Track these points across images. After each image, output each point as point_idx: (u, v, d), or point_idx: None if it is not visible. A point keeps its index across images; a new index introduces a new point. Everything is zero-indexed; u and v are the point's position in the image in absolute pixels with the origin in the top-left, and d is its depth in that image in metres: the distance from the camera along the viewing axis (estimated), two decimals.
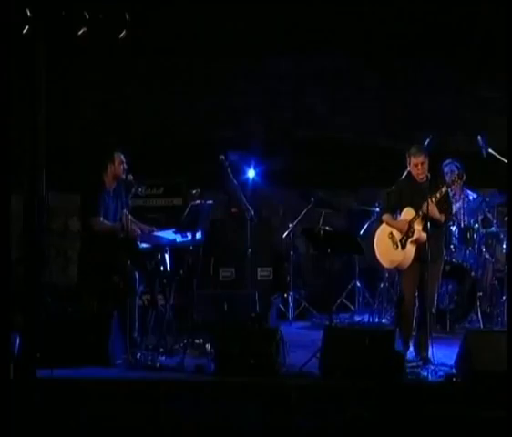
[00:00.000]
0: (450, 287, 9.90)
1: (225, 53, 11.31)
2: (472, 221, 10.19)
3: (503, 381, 6.82)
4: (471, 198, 10.27)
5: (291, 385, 7.66)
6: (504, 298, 9.67)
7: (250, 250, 9.57)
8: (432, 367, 8.02)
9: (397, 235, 8.45)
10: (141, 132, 11.57)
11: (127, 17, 8.14)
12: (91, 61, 11.00)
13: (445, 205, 8.44)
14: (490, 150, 9.99)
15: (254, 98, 11.74)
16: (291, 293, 10.78)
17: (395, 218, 8.62)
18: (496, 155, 9.86)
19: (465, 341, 7.93)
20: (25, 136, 7.64)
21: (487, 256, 10.22)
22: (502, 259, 10.17)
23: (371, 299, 10.74)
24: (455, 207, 9.84)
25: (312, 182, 11.32)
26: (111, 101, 11.63)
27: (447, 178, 8.89)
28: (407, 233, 8.39)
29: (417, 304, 8.45)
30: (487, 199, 10.14)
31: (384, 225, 8.62)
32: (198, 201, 9.00)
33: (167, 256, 8.96)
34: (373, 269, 10.25)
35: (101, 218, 8.93)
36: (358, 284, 10.81)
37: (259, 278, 10.59)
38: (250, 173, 10.73)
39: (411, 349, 8.47)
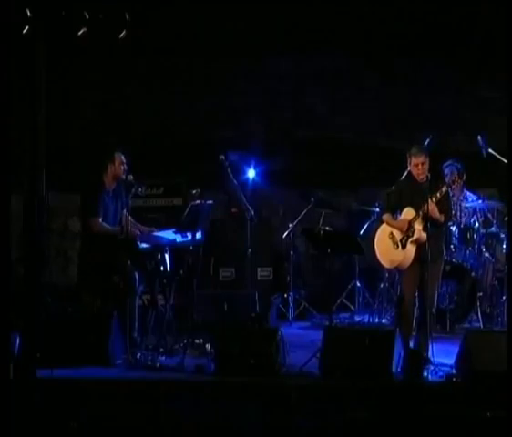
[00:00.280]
0: (450, 287, 9.91)
1: (225, 53, 11.30)
2: (472, 221, 10.19)
3: (503, 381, 6.82)
4: (470, 200, 10.27)
5: (291, 385, 7.66)
6: (504, 298, 9.67)
7: (250, 250, 9.56)
8: (432, 367, 8.02)
9: (397, 235, 8.45)
10: (141, 132, 11.57)
11: (127, 17, 8.14)
12: (91, 61, 10.99)
13: (445, 205, 8.44)
14: (490, 150, 9.99)
15: (254, 98, 11.74)
16: (291, 293, 10.78)
17: (396, 218, 8.62)
18: (496, 155, 9.86)
19: (465, 341, 7.93)
20: (25, 136, 7.64)
21: (487, 256, 10.22)
22: (502, 259, 10.17)
23: (371, 299, 10.74)
24: (455, 207, 9.85)
25: (312, 182, 11.31)
26: (111, 101, 11.63)
27: (447, 179, 8.88)
28: (407, 233, 8.39)
29: (417, 304, 8.45)
30: (486, 202, 10.16)
31: (384, 225, 8.62)
32: (198, 201, 9.00)
33: (167, 256, 8.96)
34: (373, 269, 10.24)
35: (100, 220, 8.92)
36: (358, 284, 10.81)
37: (259, 278, 10.59)
38: (250, 173, 10.73)
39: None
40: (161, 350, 8.63)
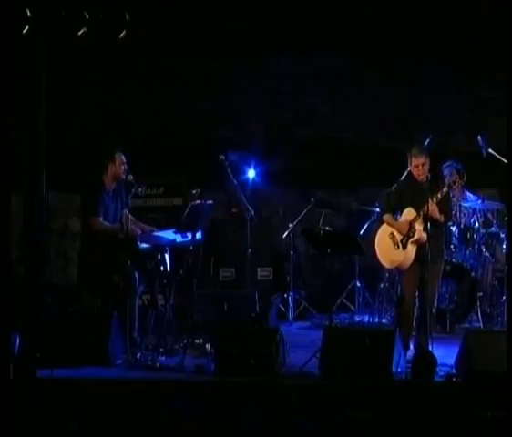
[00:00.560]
0: (450, 287, 9.91)
1: (225, 53, 11.30)
2: (472, 221, 10.20)
3: (503, 381, 6.82)
4: (470, 201, 10.27)
5: (291, 385, 7.66)
6: (504, 298, 9.67)
7: (250, 250, 9.56)
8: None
9: (398, 235, 8.45)
10: (141, 132, 11.56)
11: (127, 17, 8.14)
12: (91, 61, 10.99)
13: (445, 205, 8.44)
14: (490, 150, 9.99)
15: (254, 98, 11.73)
16: (291, 293, 10.78)
17: (396, 219, 8.62)
18: (496, 155, 9.86)
19: (465, 341, 7.93)
20: (25, 136, 7.64)
21: (487, 256, 10.23)
22: (502, 259, 10.17)
23: (371, 299, 10.73)
24: (455, 208, 9.85)
25: (312, 182, 11.31)
26: (111, 101, 11.63)
27: (447, 181, 8.88)
28: (408, 233, 8.39)
29: (417, 304, 8.45)
30: (486, 203, 10.16)
31: (384, 225, 8.62)
32: (198, 201, 9.00)
33: (167, 256, 8.96)
34: (373, 269, 10.25)
35: (101, 219, 8.93)
36: (358, 284, 10.81)
37: (259, 278, 10.59)
38: (250, 173, 10.73)
39: (411, 348, 8.47)
40: (161, 350, 8.63)
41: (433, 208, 8.27)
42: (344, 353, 7.89)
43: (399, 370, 7.88)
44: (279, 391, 7.57)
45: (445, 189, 8.38)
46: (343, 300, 10.82)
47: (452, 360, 8.01)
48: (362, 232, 10.48)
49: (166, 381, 7.83)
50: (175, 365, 8.27)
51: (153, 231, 9.12)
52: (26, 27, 7.57)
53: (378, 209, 10.13)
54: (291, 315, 10.74)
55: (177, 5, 11.00)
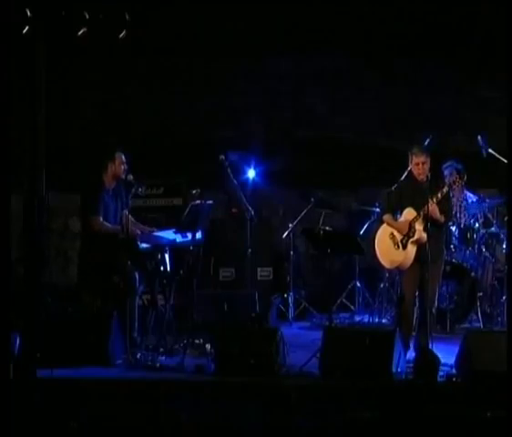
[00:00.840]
0: (450, 287, 9.91)
1: (225, 53, 11.30)
2: (472, 221, 10.19)
3: (503, 381, 6.82)
4: (470, 201, 10.28)
5: (291, 385, 7.66)
6: (504, 298, 9.67)
7: (250, 250, 9.56)
8: None
9: (398, 235, 8.45)
10: (141, 132, 11.56)
11: (127, 17, 8.14)
12: (91, 61, 10.99)
13: (445, 205, 8.44)
14: (490, 150, 9.99)
15: (254, 98, 11.73)
16: (291, 293, 10.78)
17: (396, 219, 8.62)
18: (496, 155, 9.86)
19: (465, 341, 7.93)
20: (25, 136, 7.64)
21: (487, 256, 10.23)
22: (502, 259, 10.17)
23: (371, 299, 10.73)
24: (455, 208, 9.85)
25: (312, 182, 11.31)
26: (111, 101, 11.63)
27: (447, 181, 8.89)
28: (408, 233, 8.39)
29: (417, 304, 8.46)
30: (487, 201, 10.16)
31: (384, 225, 8.62)
32: (198, 201, 9.00)
33: (167, 256, 8.96)
34: (373, 269, 10.25)
35: (101, 218, 8.93)
36: (358, 284, 10.81)
37: (259, 278, 10.59)
38: (250, 173, 10.73)
39: (411, 348, 8.47)
40: (161, 350, 8.63)
41: (433, 208, 8.27)
42: (344, 353, 7.89)
43: (399, 370, 7.88)
44: (279, 391, 7.57)
45: (445, 189, 8.38)
46: (343, 300, 10.82)
47: (452, 360, 8.01)
48: (362, 232, 10.48)
49: (166, 381, 7.83)
50: (175, 365, 8.27)
51: (153, 232, 9.12)
52: (26, 27, 7.57)
53: (378, 209, 10.13)
54: (291, 315, 10.74)
55: (177, 5, 11.00)
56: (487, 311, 10.04)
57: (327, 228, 9.30)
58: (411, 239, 8.38)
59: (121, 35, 8.15)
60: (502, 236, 10.09)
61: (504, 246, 10.02)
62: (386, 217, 8.62)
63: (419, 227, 8.35)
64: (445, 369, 7.96)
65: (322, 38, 11.23)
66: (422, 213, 8.30)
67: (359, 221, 10.77)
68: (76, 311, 8.88)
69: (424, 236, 8.28)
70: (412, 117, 11.50)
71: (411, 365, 7.97)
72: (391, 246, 8.49)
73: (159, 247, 8.94)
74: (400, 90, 11.61)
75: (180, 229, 8.94)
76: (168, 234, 8.99)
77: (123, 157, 9.06)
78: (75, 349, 8.22)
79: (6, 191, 7.21)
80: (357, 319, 10.65)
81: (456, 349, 8.03)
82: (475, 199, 10.27)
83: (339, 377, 7.74)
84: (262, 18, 11.11)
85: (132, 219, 8.90)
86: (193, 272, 8.87)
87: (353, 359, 7.84)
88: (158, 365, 8.30)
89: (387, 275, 10.30)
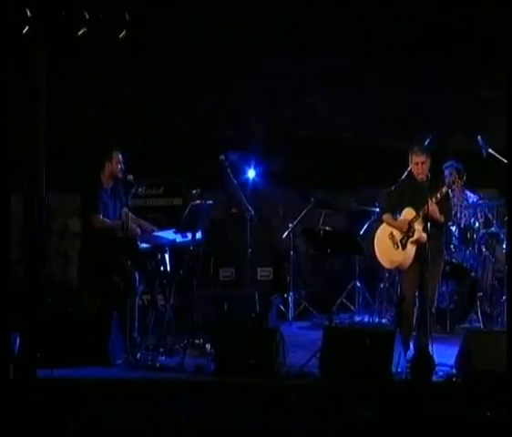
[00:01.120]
0: (450, 287, 9.91)
1: (225, 53, 11.30)
2: (472, 221, 10.20)
3: (503, 381, 6.83)
4: (470, 201, 10.28)
5: (291, 385, 7.66)
6: (504, 298, 9.67)
7: (250, 250, 9.56)
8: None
9: (398, 235, 8.45)
10: (141, 132, 11.56)
11: (127, 17, 8.14)
12: (91, 61, 10.99)
13: (445, 205, 8.44)
14: (490, 150, 9.99)
15: (254, 98, 11.73)
16: (291, 293, 10.78)
17: (395, 219, 8.62)
18: (496, 155, 9.86)
19: (465, 341, 7.93)
20: (25, 136, 7.64)
21: (487, 256, 10.23)
22: (502, 259, 10.17)
23: (371, 299, 10.73)
24: (455, 208, 9.85)
25: (312, 182, 11.31)
26: (111, 101, 11.63)
27: (447, 181, 8.89)
28: (408, 233, 8.39)
29: (417, 304, 8.45)
30: (487, 201, 10.17)
31: (384, 225, 8.62)
32: (198, 201, 9.00)
33: (167, 256, 8.96)
34: (373, 269, 10.24)
35: (101, 216, 8.93)
36: (358, 284, 10.81)
37: (259, 278, 10.59)
38: (250, 173, 10.73)
39: (411, 348, 8.47)
40: (161, 350, 8.63)
41: (433, 208, 8.27)
42: (344, 353, 7.89)
43: (399, 370, 7.88)
44: (279, 391, 7.57)
45: (444, 189, 8.38)
46: (343, 300, 10.82)
47: (452, 360, 8.01)
48: (362, 232, 10.48)
49: (166, 381, 7.83)
50: (175, 365, 8.27)
51: (153, 230, 9.13)
52: (26, 27, 7.57)
53: (378, 209, 10.13)
54: (291, 315, 10.75)
55: (177, 5, 11.00)
56: (487, 311, 10.04)
57: (327, 228, 9.30)
58: (410, 239, 8.38)
59: (121, 35, 8.15)
60: (502, 236, 10.09)
61: (504, 246, 10.02)
62: (386, 216, 8.62)
63: (418, 227, 8.35)
64: (445, 369, 7.97)
65: (322, 38, 11.22)
66: (421, 213, 8.30)
67: (359, 221, 10.77)
68: (76, 311, 8.87)
69: (424, 236, 8.28)
70: (412, 117, 11.50)
71: (410, 365, 7.97)
72: (390, 246, 8.49)
73: (159, 247, 8.93)
74: (400, 90, 11.61)
75: (180, 229, 8.94)
76: (169, 234, 8.99)
77: (120, 156, 9.05)
78: (75, 349, 8.22)
79: (6, 191, 7.21)
80: (357, 319, 10.65)
81: (456, 349, 8.03)
82: (475, 199, 10.28)
83: (339, 377, 7.74)
84: (262, 18, 11.11)
85: (132, 216, 8.90)
86: (193, 272, 8.87)
87: (353, 359, 7.83)
88: (158, 365, 8.30)
89: (387, 275, 10.30)
